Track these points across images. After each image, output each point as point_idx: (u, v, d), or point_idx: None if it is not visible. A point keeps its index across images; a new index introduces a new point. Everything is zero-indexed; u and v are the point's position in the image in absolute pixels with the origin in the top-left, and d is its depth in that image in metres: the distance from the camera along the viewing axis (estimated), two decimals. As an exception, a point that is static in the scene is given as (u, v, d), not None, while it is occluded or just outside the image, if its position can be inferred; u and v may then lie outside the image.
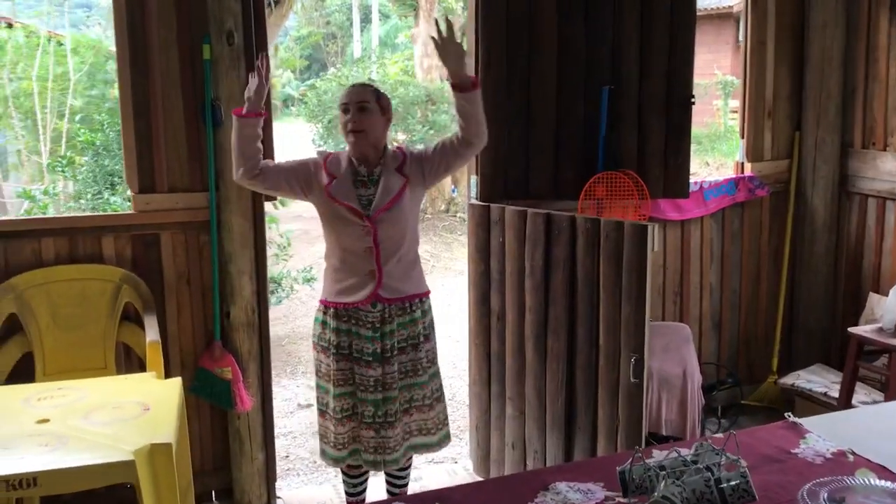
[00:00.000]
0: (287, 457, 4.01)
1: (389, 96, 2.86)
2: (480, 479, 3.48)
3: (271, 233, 6.08)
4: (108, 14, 3.04)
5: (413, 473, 3.15)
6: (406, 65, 11.93)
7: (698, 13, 3.76)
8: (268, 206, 3.46)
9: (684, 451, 1.76)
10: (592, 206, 3.48)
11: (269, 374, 3.39)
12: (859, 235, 4.10)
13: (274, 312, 6.37)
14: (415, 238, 2.85)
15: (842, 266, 4.21)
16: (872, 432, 2.07)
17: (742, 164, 4.17)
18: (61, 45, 7.21)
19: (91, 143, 5.91)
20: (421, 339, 2.81)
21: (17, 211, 6.62)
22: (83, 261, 3.11)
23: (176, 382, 2.73)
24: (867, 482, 1.74)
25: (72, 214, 4.98)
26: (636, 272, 2.84)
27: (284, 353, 5.78)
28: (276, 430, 3.88)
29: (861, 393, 3.69)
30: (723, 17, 13.40)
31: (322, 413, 2.87)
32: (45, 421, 2.39)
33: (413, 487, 3.20)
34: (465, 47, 2.64)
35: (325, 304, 2.82)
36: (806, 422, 2.12)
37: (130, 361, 3.22)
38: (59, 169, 6.04)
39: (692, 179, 3.80)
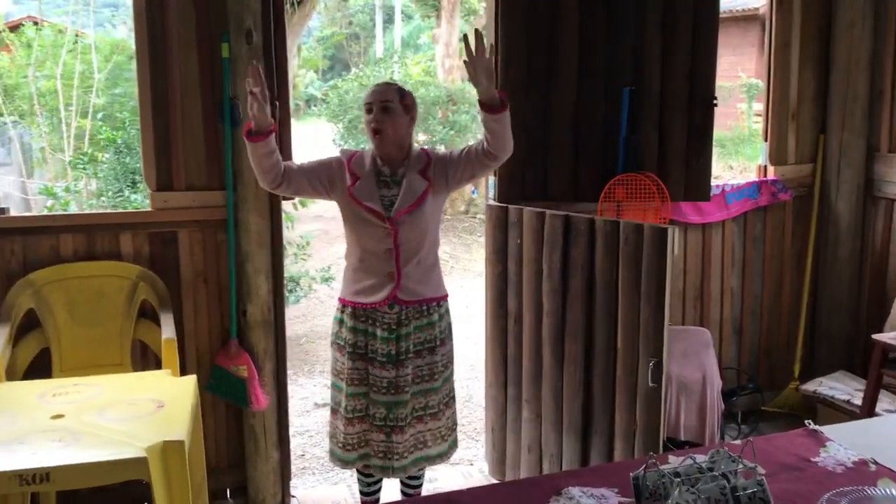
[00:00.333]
0: (303, 455, 4.01)
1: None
2: (496, 481, 3.45)
3: (289, 232, 6.09)
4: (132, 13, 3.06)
5: (428, 474, 3.14)
6: (428, 65, 11.94)
7: (723, 15, 3.72)
8: (286, 205, 3.46)
9: (700, 458, 1.73)
10: (612, 208, 3.45)
11: (285, 373, 3.39)
12: (884, 241, 4.02)
13: (292, 311, 6.41)
14: (435, 241, 2.83)
15: (866, 272, 4.14)
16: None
17: (765, 167, 4.11)
18: (87, 43, 7.29)
19: (112, 140, 5.95)
20: (438, 342, 2.80)
21: (39, 207, 6.70)
22: (101, 258, 3.13)
23: (191, 380, 2.74)
24: (889, 493, 1.70)
25: (90, 212, 5.01)
26: (656, 275, 2.80)
27: (302, 352, 5.79)
28: (292, 429, 3.88)
29: (885, 401, 3.63)
30: (748, 19, 13.22)
31: (334, 411, 2.86)
32: (60, 416, 2.40)
33: (428, 488, 3.19)
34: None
35: (343, 303, 2.81)
36: (827, 430, 2.08)
37: (147, 359, 3.22)
38: (81, 166, 6.09)
39: (714, 182, 3.75)
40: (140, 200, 5.36)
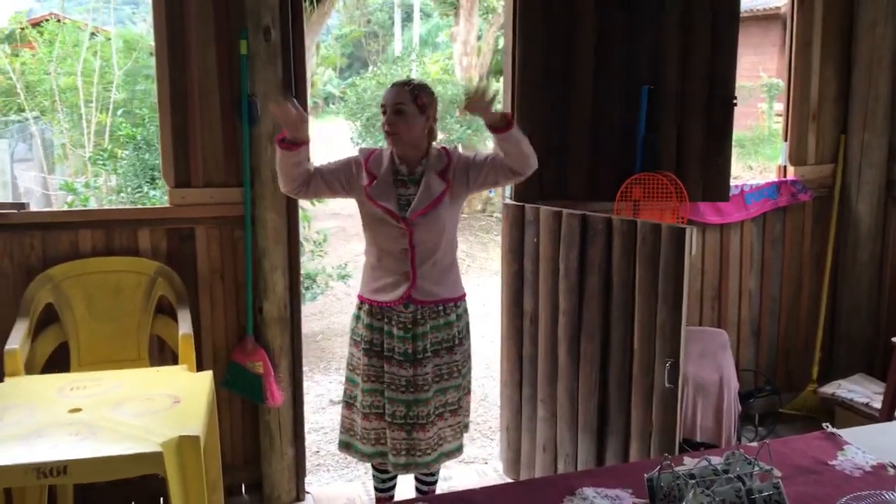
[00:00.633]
0: (318, 452, 4.02)
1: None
2: (510, 480, 3.45)
3: (306, 229, 6.11)
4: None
5: (443, 472, 3.14)
6: (446, 63, 11.94)
7: (744, 14, 3.69)
8: (303, 202, 3.47)
9: (715, 460, 1.72)
10: (629, 207, 3.43)
11: (301, 370, 3.40)
12: (906, 243, 3.99)
13: (309, 308, 6.43)
14: (452, 242, 2.82)
15: (886, 274, 4.10)
16: (915, 446, 2.00)
17: (784, 167, 4.08)
18: (108, 40, 7.34)
19: (132, 136, 6.00)
20: (456, 342, 2.79)
21: (60, 203, 6.76)
22: (119, 253, 3.15)
23: (207, 376, 2.75)
24: (908, 497, 1.68)
25: (109, 207, 5.05)
26: (673, 276, 2.78)
27: (318, 349, 5.80)
28: (308, 426, 3.89)
29: (904, 405, 3.59)
30: (769, 18, 13.11)
31: (349, 405, 2.86)
32: (78, 410, 2.42)
33: (442, 487, 3.19)
34: (492, 93, 2.58)
35: (361, 300, 2.83)
36: (844, 433, 2.06)
37: (164, 354, 3.24)
38: (101, 162, 6.14)
39: (733, 183, 3.72)
40: (159, 197, 5.40)
